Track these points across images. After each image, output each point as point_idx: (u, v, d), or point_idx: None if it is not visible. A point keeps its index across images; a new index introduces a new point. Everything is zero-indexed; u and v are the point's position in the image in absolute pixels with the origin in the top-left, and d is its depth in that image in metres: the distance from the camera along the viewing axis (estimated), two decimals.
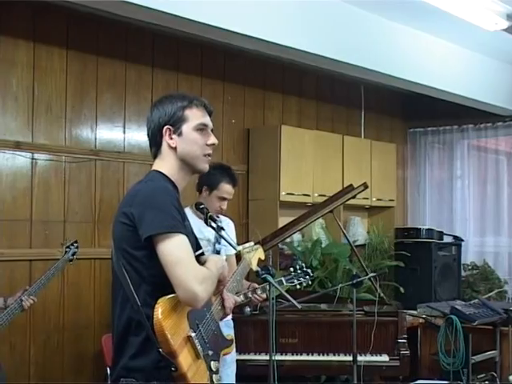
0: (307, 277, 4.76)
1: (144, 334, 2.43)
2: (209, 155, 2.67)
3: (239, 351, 5.01)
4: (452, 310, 5.26)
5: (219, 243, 4.59)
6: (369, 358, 5.19)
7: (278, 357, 4.98)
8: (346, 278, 6.36)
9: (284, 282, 4.71)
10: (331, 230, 6.97)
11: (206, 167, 2.68)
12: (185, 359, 2.42)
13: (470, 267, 8.04)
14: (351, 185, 5.77)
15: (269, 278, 3.13)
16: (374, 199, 7.73)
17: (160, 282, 2.41)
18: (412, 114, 8.76)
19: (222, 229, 2.98)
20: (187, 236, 2.46)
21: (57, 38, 5.35)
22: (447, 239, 7.78)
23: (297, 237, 6.90)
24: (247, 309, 4.95)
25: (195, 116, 2.64)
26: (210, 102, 2.75)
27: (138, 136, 5.89)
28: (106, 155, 5.67)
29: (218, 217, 4.80)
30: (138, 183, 2.61)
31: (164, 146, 2.64)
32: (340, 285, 5.35)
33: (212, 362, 2.60)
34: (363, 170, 7.53)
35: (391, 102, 8.55)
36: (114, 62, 5.74)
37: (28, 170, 5.20)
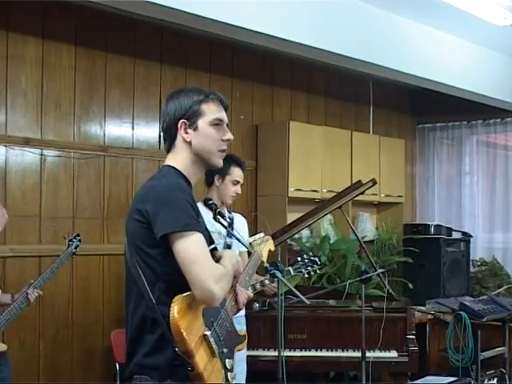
0: (315, 265, 4.76)
1: (159, 332, 2.42)
2: (223, 151, 2.66)
3: (248, 347, 5.01)
4: (461, 306, 5.26)
5: (230, 237, 4.59)
6: (377, 354, 5.18)
7: (287, 353, 4.96)
8: (354, 274, 6.36)
9: (292, 271, 4.72)
10: (340, 225, 6.96)
11: (220, 163, 2.67)
12: (201, 358, 2.41)
13: (478, 263, 8.02)
14: (360, 181, 5.76)
15: (277, 274, 3.13)
16: (383, 195, 7.72)
17: (175, 280, 2.40)
18: (421, 110, 8.74)
19: (231, 225, 2.99)
20: (202, 233, 2.45)
21: (66, 35, 5.36)
22: (456, 235, 7.75)
23: (305, 233, 6.91)
24: (256, 305, 4.96)
25: (211, 111, 2.63)
26: (224, 99, 2.74)
27: (147, 132, 5.90)
28: (115, 151, 5.68)
29: (231, 213, 4.84)
30: (152, 179, 2.59)
31: (178, 140, 2.62)
32: (349, 281, 5.35)
33: (227, 360, 2.59)
34: (372, 166, 7.52)
35: (400, 97, 8.53)
36: (123, 59, 5.75)
37: (37, 166, 5.21)
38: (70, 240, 4.74)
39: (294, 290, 3.17)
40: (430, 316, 5.89)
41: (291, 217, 6.20)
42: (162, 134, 2.71)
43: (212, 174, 4.68)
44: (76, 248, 4.74)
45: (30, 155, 5.18)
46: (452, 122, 8.61)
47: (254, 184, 6.78)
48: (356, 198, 5.90)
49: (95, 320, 5.51)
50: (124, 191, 5.71)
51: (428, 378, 4.98)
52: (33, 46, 5.18)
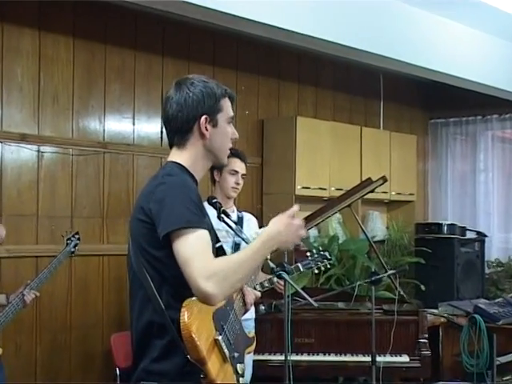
0: (325, 260, 4.75)
1: (168, 338, 2.41)
2: (230, 149, 2.68)
3: (253, 351, 4.99)
4: (475, 309, 5.24)
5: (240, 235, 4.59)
6: (388, 358, 5.17)
7: (294, 357, 4.97)
8: (364, 275, 6.35)
9: (301, 268, 4.71)
10: (349, 225, 6.96)
11: (226, 161, 2.70)
12: (213, 365, 2.40)
13: (494, 264, 8.00)
14: (370, 178, 5.74)
15: (284, 275, 3.11)
16: (394, 193, 7.71)
17: (183, 283, 2.37)
18: (433, 104, 8.72)
19: (236, 223, 2.98)
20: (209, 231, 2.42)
21: (63, 26, 5.34)
22: (470, 235, 7.74)
23: (313, 232, 6.89)
24: (261, 307, 4.95)
25: (228, 107, 2.64)
26: (235, 97, 2.74)
27: (148, 128, 5.89)
28: (115, 148, 5.67)
29: (240, 211, 4.83)
30: (156, 177, 2.55)
31: (194, 135, 2.58)
32: (358, 282, 5.34)
33: (238, 365, 2.59)
34: (382, 163, 7.51)
35: (411, 91, 8.51)
36: (123, 51, 5.74)
37: (34, 163, 5.21)
38: (69, 238, 4.72)
39: (301, 291, 3.15)
40: (442, 319, 5.87)
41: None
42: (167, 125, 2.61)
43: (212, 170, 4.69)
44: (75, 247, 4.72)
45: (27, 152, 5.17)
46: (466, 116, 8.59)
47: (260, 182, 6.77)
48: (366, 197, 5.88)
49: (94, 323, 5.50)
50: (124, 189, 5.70)
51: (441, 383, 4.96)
52: (29, 38, 5.17)
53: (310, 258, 4.75)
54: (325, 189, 6.87)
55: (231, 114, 2.65)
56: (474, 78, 6.98)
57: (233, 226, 3.08)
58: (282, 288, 4.59)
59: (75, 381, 5.37)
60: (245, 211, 4.99)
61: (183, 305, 2.36)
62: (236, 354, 2.58)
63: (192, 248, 2.33)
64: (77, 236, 4.76)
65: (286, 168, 6.61)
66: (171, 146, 2.63)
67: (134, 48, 5.81)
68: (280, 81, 7.06)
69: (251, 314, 4.82)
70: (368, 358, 4.90)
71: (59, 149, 5.34)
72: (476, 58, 6.99)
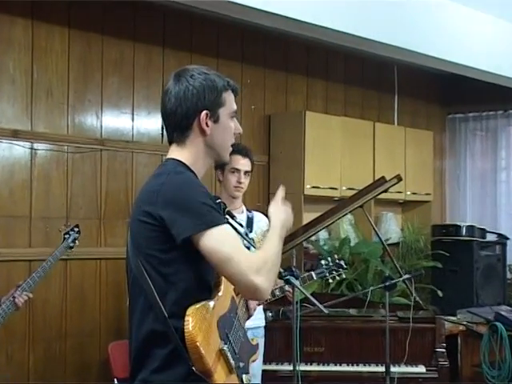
0: (340, 270, 4.76)
1: (171, 347, 2.40)
2: (232, 145, 2.67)
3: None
4: (496, 317, 5.24)
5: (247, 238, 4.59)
6: (403, 368, 5.17)
7: (303, 367, 4.97)
8: (377, 280, 6.34)
9: (314, 276, 4.73)
10: (361, 227, 6.96)
11: (228, 158, 2.69)
12: (219, 376, 2.40)
13: None
14: (383, 177, 5.73)
15: (292, 280, 3.12)
16: (409, 193, 7.70)
17: (189, 289, 2.38)
18: (451, 98, 8.71)
19: (241, 225, 2.98)
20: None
21: (57, 16, 5.35)
22: (490, 237, 7.72)
23: (323, 234, 6.89)
24: (268, 314, 4.95)
25: (230, 101, 2.62)
26: (238, 89, 2.72)
27: (148, 123, 5.89)
28: (113, 145, 5.67)
29: (250, 211, 4.85)
30: (159, 175, 2.52)
31: (194, 132, 2.57)
32: (371, 288, 5.34)
33: (244, 376, 2.59)
34: (397, 161, 7.50)
35: (428, 84, 8.50)
36: (121, 42, 5.74)
37: (27, 161, 5.21)
38: (67, 233, 4.67)
39: (310, 297, 3.16)
40: (461, 327, 5.86)
41: (307, 217, 6.18)
42: (166, 120, 2.61)
43: (216, 170, 4.72)
44: (74, 241, 4.66)
45: (19, 149, 5.17)
46: (486, 111, 8.57)
47: (266, 181, 6.77)
48: (379, 197, 5.87)
49: (91, 331, 5.50)
50: (123, 189, 5.70)
51: None
52: (21, 29, 5.17)
53: (324, 266, 4.76)
54: (335, 188, 6.86)
55: (234, 108, 2.63)
56: (495, 70, 6.97)
57: (238, 227, 3.08)
58: (291, 295, 4.61)
59: None
60: (256, 211, 4.99)
61: (187, 313, 2.35)
62: (241, 364, 2.59)
63: (229, 245, 2.36)
64: (76, 229, 4.70)
65: (295, 166, 6.61)
66: (170, 142, 2.63)
67: (133, 39, 5.81)
68: (288, 74, 7.06)
69: (261, 320, 4.82)
70: (382, 369, 4.89)
71: (54, 146, 5.34)
72: (498, 49, 6.97)
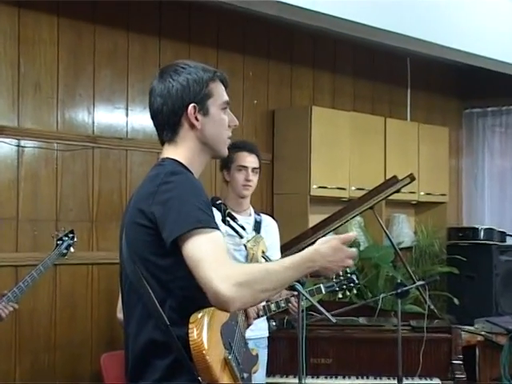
0: (351, 284, 4.78)
1: (172, 357, 2.41)
2: (229, 138, 2.67)
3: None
4: None
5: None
6: (417, 382, 5.17)
7: (309, 380, 4.98)
8: (388, 286, 6.36)
9: (323, 289, 4.74)
10: (371, 230, 6.97)
11: (226, 152, 2.69)
12: None
13: None
14: (395, 176, 5.74)
15: (298, 286, 3.13)
16: (423, 193, 7.71)
17: (189, 297, 2.39)
18: (468, 92, 8.71)
19: (243, 228, 2.99)
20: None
21: (46, 3, 5.35)
22: (510, 241, 7.72)
23: None
24: (272, 323, 4.95)
25: (220, 92, 2.63)
26: (228, 79, 2.74)
27: (144, 119, 5.90)
28: (106, 142, 5.67)
29: (259, 215, 4.87)
30: (156, 176, 2.52)
31: (184, 128, 2.59)
32: (382, 295, 5.33)
33: None
34: (409, 159, 7.51)
35: (443, 77, 8.50)
36: (115, 32, 5.74)
37: (13, 159, 5.21)
38: (60, 238, 4.64)
39: (317, 305, 3.17)
40: (479, 337, 5.86)
41: (314, 219, 6.18)
42: (154, 121, 2.66)
43: (221, 170, 4.74)
44: (68, 248, 4.63)
45: (5, 147, 5.17)
46: (506, 105, 8.58)
47: (270, 180, 6.77)
48: (390, 197, 5.88)
49: (82, 342, 5.50)
50: (117, 189, 5.71)
51: None
52: (6, 17, 5.16)
53: (334, 279, 4.77)
54: (344, 189, 6.87)
55: (224, 98, 2.64)
56: None
57: (239, 230, 3.10)
58: (296, 309, 4.61)
59: None
60: (264, 213, 5.00)
61: (191, 320, 2.36)
62: (245, 375, 2.61)
63: (205, 249, 2.32)
64: (71, 235, 4.69)
65: (300, 165, 6.61)
66: (162, 142, 2.66)
67: (127, 29, 5.81)
68: (293, 66, 7.07)
69: (265, 331, 4.83)
70: (394, 382, 4.88)
71: (42, 143, 5.34)
72: None
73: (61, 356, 5.40)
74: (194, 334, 2.34)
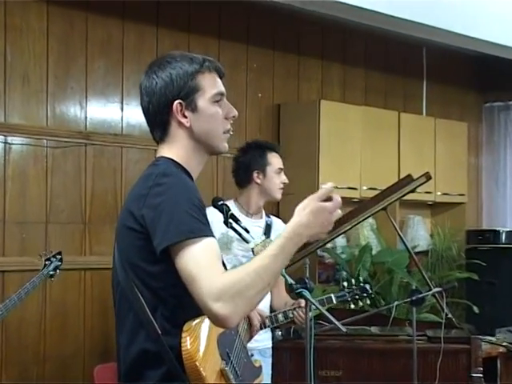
0: (364, 294, 4.79)
1: (164, 368, 2.43)
2: (229, 131, 2.66)
3: None
4: None
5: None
6: None
7: None
8: (403, 293, 6.35)
9: (334, 299, 4.75)
10: (384, 232, 6.97)
11: (226, 147, 2.67)
12: None
13: None
14: (410, 175, 5.72)
15: (305, 293, 3.11)
16: (439, 193, 7.71)
17: (181, 304, 2.40)
18: (489, 85, 8.71)
19: (247, 230, 2.98)
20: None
21: None
22: None
23: (340, 241, 6.89)
24: (278, 333, 4.96)
25: (210, 83, 2.61)
26: (231, 71, 2.73)
27: (139, 114, 5.80)
28: (99, 138, 5.68)
29: (269, 217, 4.95)
30: (148, 177, 2.53)
31: (173, 126, 2.60)
32: (396, 302, 5.32)
33: None
34: (425, 157, 7.52)
35: (461, 68, 8.50)
36: (109, 21, 5.75)
37: (0, 157, 5.22)
38: (48, 259, 4.73)
39: (326, 314, 3.15)
40: (501, 348, 5.86)
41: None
42: (145, 119, 2.67)
43: (248, 171, 4.76)
44: (55, 270, 4.72)
45: None
46: None
47: None
48: (405, 198, 5.87)
49: (74, 353, 5.51)
50: (111, 189, 5.71)
51: None
52: None
53: (346, 289, 4.78)
54: (355, 188, 6.87)
55: (216, 90, 2.62)
56: None
57: (243, 233, 3.08)
58: (303, 320, 4.62)
59: None
60: (275, 216, 5.05)
61: (184, 329, 2.38)
62: None
63: (197, 263, 2.33)
64: (58, 257, 4.77)
65: (308, 163, 6.61)
66: (157, 141, 2.67)
67: (122, 17, 5.82)
68: (300, 57, 7.07)
69: (269, 341, 4.83)
70: None
71: (31, 140, 5.34)
72: None
73: (50, 368, 5.41)
74: (187, 343, 2.35)
